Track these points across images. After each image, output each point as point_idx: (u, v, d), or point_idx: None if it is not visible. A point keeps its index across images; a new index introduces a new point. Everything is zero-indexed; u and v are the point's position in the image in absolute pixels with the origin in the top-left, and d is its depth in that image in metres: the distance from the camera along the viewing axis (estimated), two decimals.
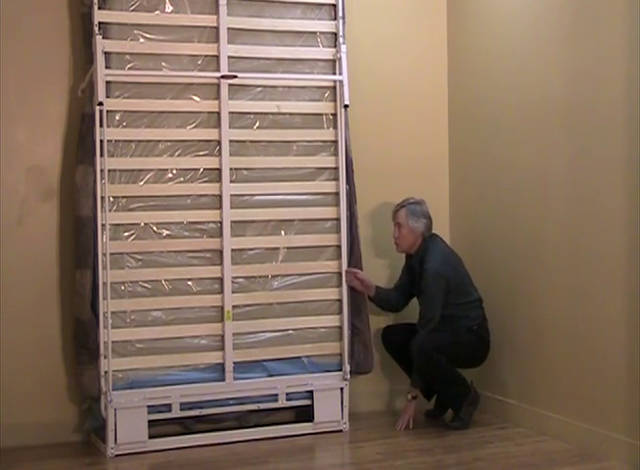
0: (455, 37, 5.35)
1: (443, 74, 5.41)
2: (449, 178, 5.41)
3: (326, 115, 4.81)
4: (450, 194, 5.40)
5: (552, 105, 4.52)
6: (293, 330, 4.73)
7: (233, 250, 4.61)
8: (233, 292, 4.61)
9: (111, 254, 4.39)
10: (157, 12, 4.52)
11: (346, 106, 4.76)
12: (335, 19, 4.80)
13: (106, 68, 4.38)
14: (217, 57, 4.59)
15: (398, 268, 5.08)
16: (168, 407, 4.48)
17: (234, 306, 4.61)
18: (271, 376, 4.66)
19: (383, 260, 5.20)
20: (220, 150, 4.60)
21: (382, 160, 5.19)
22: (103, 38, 4.37)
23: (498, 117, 4.96)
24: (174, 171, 4.55)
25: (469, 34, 5.23)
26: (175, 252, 4.54)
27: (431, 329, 4.71)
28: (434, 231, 4.89)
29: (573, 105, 4.38)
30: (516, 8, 4.83)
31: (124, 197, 4.47)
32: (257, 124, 4.69)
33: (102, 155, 4.36)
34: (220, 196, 4.60)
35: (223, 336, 4.58)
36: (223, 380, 4.57)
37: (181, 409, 4.50)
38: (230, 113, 4.61)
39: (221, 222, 4.60)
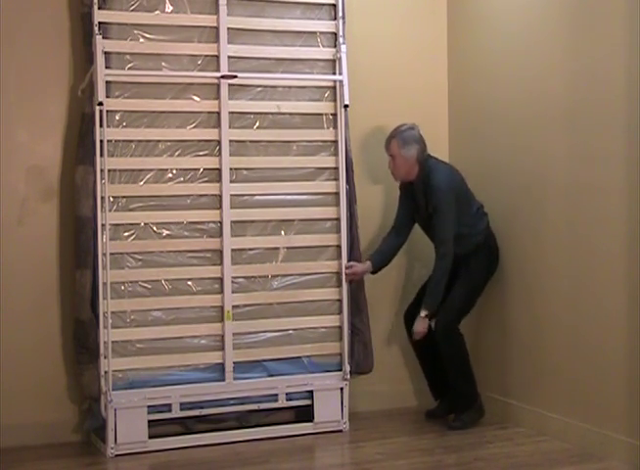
0: (455, 36, 5.34)
1: (443, 74, 5.41)
2: None
3: (326, 115, 4.81)
4: None
5: (552, 103, 4.53)
6: (293, 330, 4.73)
7: (233, 250, 4.61)
8: (233, 292, 4.61)
9: (111, 254, 4.39)
10: (157, 12, 4.52)
11: (346, 106, 4.76)
12: (335, 19, 4.80)
13: (106, 67, 4.38)
14: (217, 57, 4.59)
15: (399, 267, 5.07)
16: (168, 407, 4.48)
17: (234, 306, 4.61)
18: (271, 376, 4.66)
19: None
20: (220, 150, 4.60)
21: (382, 160, 5.18)
22: (103, 38, 4.37)
23: (498, 116, 4.96)
24: (174, 171, 4.56)
25: (469, 33, 5.23)
26: (175, 252, 4.54)
27: (448, 250, 4.68)
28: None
29: (573, 103, 4.38)
30: (516, 6, 4.83)
31: (124, 197, 4.47)
32: (257, 124, 4.69)
33: (102, 155, 4.36)
34: (220, 196, 4.60)
35: (223, 336, 4.58)
36: (223, 380, 4.57)
37: (181, 409, 4.50)
38: (230, 113, 4.61)
39: (221, 222, 4.60)
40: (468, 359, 4.81)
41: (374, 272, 4.90)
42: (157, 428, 4.49)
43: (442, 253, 4.72)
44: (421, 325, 4.74)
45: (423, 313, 4.73)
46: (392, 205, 4.99)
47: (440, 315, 4.76)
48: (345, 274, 4.78)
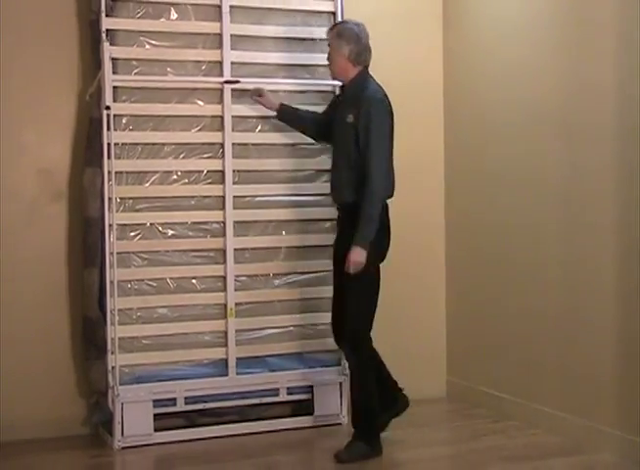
0: (451, 42, 5.36)
1: (439, 79, 5.43)
2: (444, 181, 5.42)
3: None
4: (446, 194, 5.42)
5: (546, 112, 4.55)
6: (293, 327, 4.78)
7: (236, 249, 4.66)
8: (236, 290, 4.66)
9: (117, 253, 4.43)
10: (162, 19, 4.57)
11: None
12: None
13: (113, 73, 4.43)
14: (221, 62, 4.63)
15: (400, 268, 5.09)
16: (173, 401, 4.53)
17: (237, 304, 4.66)
18: (272, 371, 4.71)
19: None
20: (223, 152, 4.64)
21: None
22: (110, 45, 4.42)
23: (494, 120, 4.98)
24: (179, 173, 4.60)
25: (464, 39, 5.24)
26: (180, 251, 4.59)
27: (377, 188, 4.08)
28: None
29: (567, 111, 4.42)
30: (511, 13, 4.85)
31: (131, 198, 4.52)
32: (259, 128, 4.74)
33: (109, 157, 4.40)
34: (223, 197, 4.64)
35: (226, 332, 4.63)
36: (226, 375, 4.62)
37: (186, 403, 4.56)
38: (233, 116, 4.65)
39: (224, 222, 4.65)
40: (374, 379, 4.21)
41: (280, 118, 4.62)
42: (162, 421, 4.53)
43: (370, 191, 4.08)
44: (358, 254, 4.04)
45: (358, 243, 4.06)
46: (392, 204, 5.05)
47: (347, 324, 4.25)
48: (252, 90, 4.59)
